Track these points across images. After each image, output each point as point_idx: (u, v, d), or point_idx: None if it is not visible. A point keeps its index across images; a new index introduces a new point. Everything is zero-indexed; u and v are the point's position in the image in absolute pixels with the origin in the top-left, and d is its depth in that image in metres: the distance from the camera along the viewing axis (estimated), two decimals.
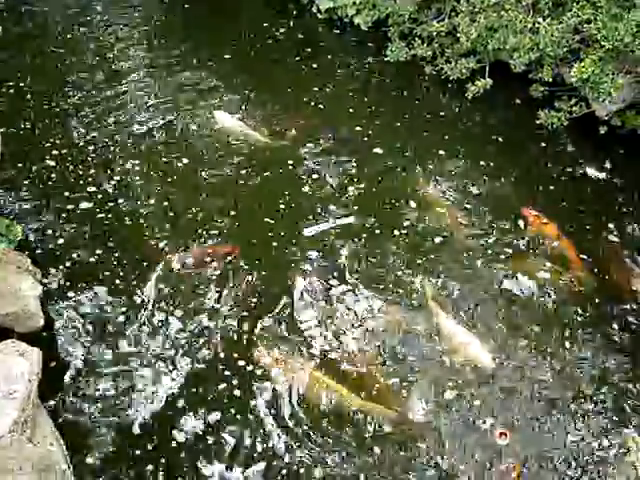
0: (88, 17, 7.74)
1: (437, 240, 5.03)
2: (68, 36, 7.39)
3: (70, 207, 5.20)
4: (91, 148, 5.77)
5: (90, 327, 4.38)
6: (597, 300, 4.67)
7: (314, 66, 7.00)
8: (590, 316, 4.56)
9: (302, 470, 3.74)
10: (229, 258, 4.85)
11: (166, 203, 5.29)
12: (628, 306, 4.62)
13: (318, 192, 5.43)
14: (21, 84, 6.52)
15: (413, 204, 5.32)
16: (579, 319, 4.54)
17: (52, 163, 5.58)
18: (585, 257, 4.97)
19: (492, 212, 5.27)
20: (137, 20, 7.77)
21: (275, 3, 8.04)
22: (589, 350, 4.37)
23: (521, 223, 5.17)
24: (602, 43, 5.29)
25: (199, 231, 5.06)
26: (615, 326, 4.49)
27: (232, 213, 5.22)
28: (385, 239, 5.02)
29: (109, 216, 5.15)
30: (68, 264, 4.77)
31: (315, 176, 5.57)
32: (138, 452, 3.78)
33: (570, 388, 4.14)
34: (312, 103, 6.42)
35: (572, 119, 5.79)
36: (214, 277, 4.70)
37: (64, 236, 4.97)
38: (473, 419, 3.96)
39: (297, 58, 7.12)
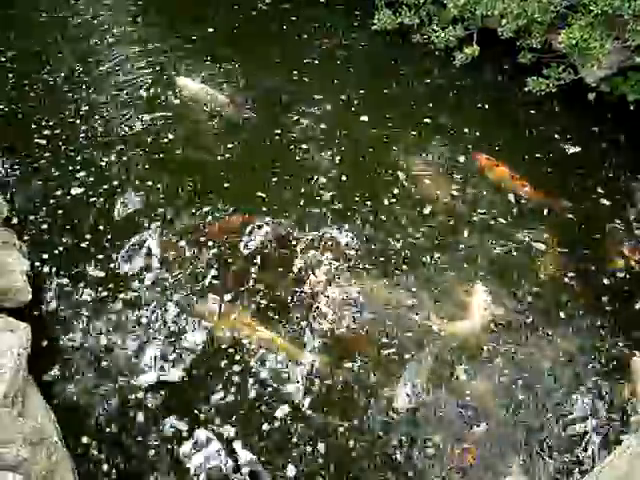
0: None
1: (426, 210, 5.01)
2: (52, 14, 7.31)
3: (59, 184, 5.18)
4: (83, 127, 5.73)
5: (79, 303, 4.36)
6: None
7: (299, 37, 6.91)
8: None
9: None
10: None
11: (158, 182, 5.25)
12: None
13: (304, 162, 5.39)
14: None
15: (400, 173, 5.29)
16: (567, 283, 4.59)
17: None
18: (574, 218, 5.01)
19: (480, 180, 5.25)
20: None
21: None
22: (574, 317, 4.40)
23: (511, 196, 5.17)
24: (590, 8, 5.23)
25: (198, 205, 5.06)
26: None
27: (225, 185, 5.19)
28: (372, 209, 5.00)
29: (100, 193, 5.12)
30: (57, 240, 4.74)
31: (304, 146, 5.53)
32: (130, 425, 3.79)
33: (551, 356, 4.19)
34: (297, 74, 6.35)
35: (561, 86, 5.75)
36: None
37: (52, 213, 4.95)
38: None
39: (282, 29, 7.03)
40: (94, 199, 5.05)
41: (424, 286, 4.50)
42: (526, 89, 5.79)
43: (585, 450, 3.74)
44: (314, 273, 4.53)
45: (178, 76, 6.31)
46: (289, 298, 4.41)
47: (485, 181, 5.30)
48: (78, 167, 5.31)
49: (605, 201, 5.19)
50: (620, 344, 4.23)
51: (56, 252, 4.66)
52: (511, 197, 5.18)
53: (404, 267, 4.62)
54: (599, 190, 5.28)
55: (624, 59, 5.49)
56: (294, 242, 4.75)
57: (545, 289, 4.54)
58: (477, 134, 5.74)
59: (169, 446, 3.71)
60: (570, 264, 4.69)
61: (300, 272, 4.55)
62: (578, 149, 5.65)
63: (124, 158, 5.41)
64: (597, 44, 5.23)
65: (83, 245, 4.72)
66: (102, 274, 4.53)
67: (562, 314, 4.39)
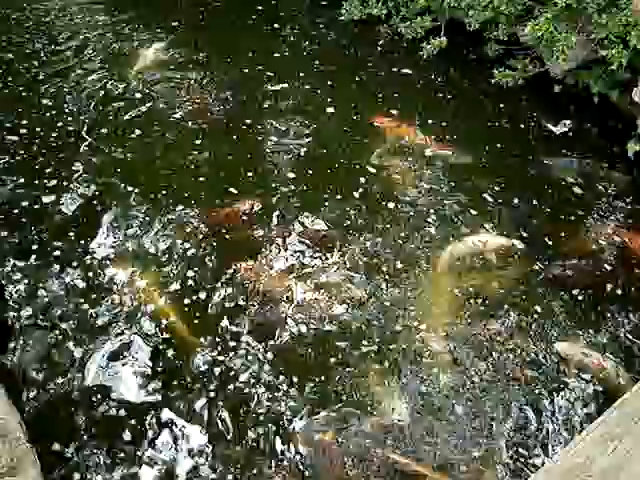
0: None
1: (390, 205, 5.00)
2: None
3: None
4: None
5: (41, 288, 4.30)
6: None
7: (266, 28, 6.88)
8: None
9: None
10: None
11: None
12: None
13: (270, 154, 5.37)
14: None
15: (368, 167, 5.28)
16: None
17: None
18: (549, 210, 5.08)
19: (448, 173, 5.29)
20: None
21: None
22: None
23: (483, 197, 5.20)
24: (556, 1, 5.28)
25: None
26: None
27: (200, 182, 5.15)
28: (339, 203, 4.98)
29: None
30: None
31: (273, 138, 5.52)
32: (94, 413, 3.75)
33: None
34: (263, 66, 6.31)
35: (527, 78, 5.79)
36: None
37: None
38: None
39: (250, 21, 6.98)
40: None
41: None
42: (492, 81, 5.83)
43: None
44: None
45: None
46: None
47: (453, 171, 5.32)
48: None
49: (573, 187, 5.27)
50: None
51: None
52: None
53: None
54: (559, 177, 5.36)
55: (589, 52, 5.54)
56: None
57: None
58: (442, 124, 5.75)
59: (134, 440, 3.69)
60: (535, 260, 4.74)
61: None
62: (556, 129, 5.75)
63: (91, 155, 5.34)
64: (562, 37, 5.27)
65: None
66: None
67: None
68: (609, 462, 1.82)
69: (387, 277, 4.47)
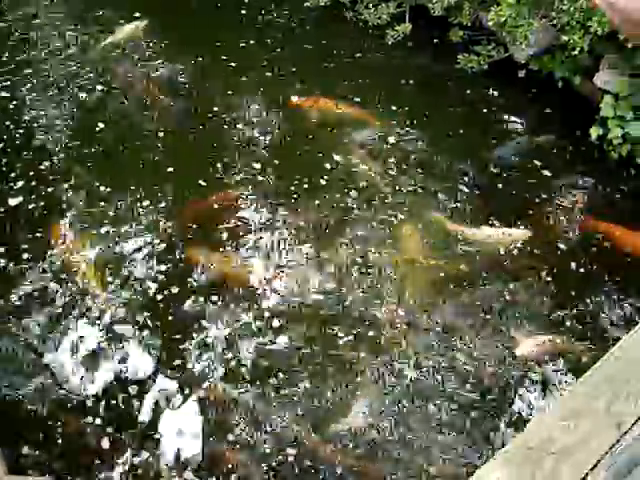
0: None
1: (354, 194, 5.01)
2: None
3: None
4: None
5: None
6: None
7: (232, 18, 6.80)
8: None
9: None
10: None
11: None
12: None
13: (235, 145, 5.35)
14: None
15: (335, 155, 5.28)
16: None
17: None
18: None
19: (410, 161, 5.31)
20: None
21: None
22: None
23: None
24: None
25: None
26: None
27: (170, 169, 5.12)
28: (304, 198, 4.98)
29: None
30: None
31: (239, 129, 5.49)
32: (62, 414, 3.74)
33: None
34: (227, 53, 6.27)
35: (492, 63, 5.83)
36: None
37: None
38: None
39: (213, 8, 6.90)
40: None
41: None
42: (457, 66, 5.86)
43: None
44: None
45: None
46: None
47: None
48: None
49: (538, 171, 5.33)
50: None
51: None
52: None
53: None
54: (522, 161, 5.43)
55: (551, 38, 5.59)
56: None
57: None
58: (406, 109, 5.77)
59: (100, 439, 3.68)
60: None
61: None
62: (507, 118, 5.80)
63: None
64: (525, 22, 5.32)
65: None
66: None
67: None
68: (572, 439, 1.86)
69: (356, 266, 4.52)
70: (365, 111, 5.68)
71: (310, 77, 6.06)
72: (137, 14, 6.65)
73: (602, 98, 5.27)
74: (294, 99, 5.68)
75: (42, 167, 5.08)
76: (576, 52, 5.24)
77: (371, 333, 4.13)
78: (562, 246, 4.74)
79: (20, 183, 4.93)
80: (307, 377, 3.90)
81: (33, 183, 4.94)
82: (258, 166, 5.17)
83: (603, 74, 5.40)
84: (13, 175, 4.99)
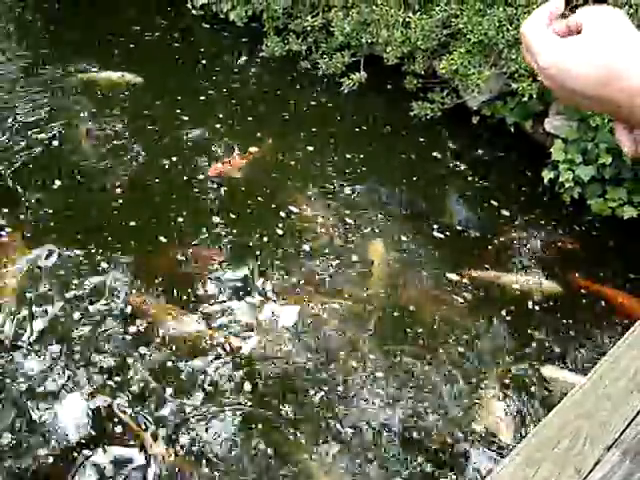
0: None
1: (307, 247, 4.99)
2: None
3: None
4: None
5: None
6: None
7: (189, 68, 6.87)
8: None
9: None
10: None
11: None
12: None
13: (187, 204, 5.30)
14: None
15: (284, 211, 5.27)
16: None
17: None
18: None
19: (364, 208, 5.38)
20: None
21: (148, 0, 7.88)
22: None
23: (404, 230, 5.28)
24: (469, 37, 5.50)
25: None
26: None
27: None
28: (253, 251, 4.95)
29: None
30: None
31: (190, 183, 5.48)
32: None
33: None
34: (182, 108, 6.28)
35: (445, 110, 5.96)
36: None
37: None
38: None
39: (175, 59, 6.97)
40: None
41: None
42: (411, 113, 5.98)
43: None
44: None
45: None
46: None
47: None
48: None
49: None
50: None
51: None
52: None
53: None
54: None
55: (502, 85, 5.77)
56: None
57: None
58: (361, 157, 5.86)
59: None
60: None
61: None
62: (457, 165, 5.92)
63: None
64: (476, 71, 5.47)
65: None
66: None
67: None
68: None
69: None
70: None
71: (265, 127, 6.10)
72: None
73: (553, 142, 5.43)
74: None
75: None
76: (526, 98, 5.41)
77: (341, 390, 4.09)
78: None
79: None
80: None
81: None
82: (217, 219, 5.14)
83: (553, 119, 5.58)
84: None
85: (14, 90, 6.29)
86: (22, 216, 4.96)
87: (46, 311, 4.32)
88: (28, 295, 4.39)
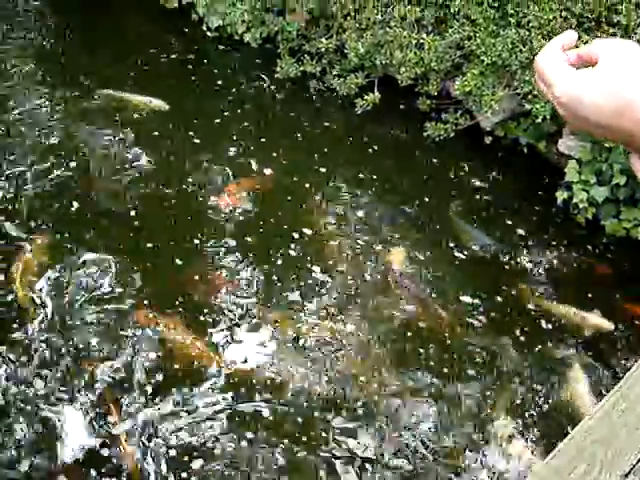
0: None
1: (321, 269, 4.97)
2: None
3: None
4: None
5: None
6: None
7: (204, 89, 6.91)
8: None
9: None
10: None
11: None
12: None
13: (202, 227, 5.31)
14: None
15: (298, 233, 5.26)
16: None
17: None
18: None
19: (377, 229, 5.39)
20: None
21: (164, 21, 7.95)
22: None
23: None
24: (482, 58, 5.52)
25: None
26: None
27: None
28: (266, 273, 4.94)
29: None
30: None
31: (204, 205, 5.49)
32: None
33: None
34: (195, 130, 6.29)
35: (459, 130, 5.98)
36: None
37: None
38: None
39: (191, 80, 7.02)
40: None
41: None
42: (425, 134, 5.99)
43: None
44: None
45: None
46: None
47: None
48: None
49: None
50: None
51: None
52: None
53: None
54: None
55: (516, 106, 5.78)
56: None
57: None
58: (374, 177, 5.88)
59: None
60: None
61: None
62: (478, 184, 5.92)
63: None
64: (489, 92, 5.49)
65: None
66: None
67: None
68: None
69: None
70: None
71: (279, 148, 6.12)
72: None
73: (566, 163, 5.42)
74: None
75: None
76: (539, 120, 5.41)
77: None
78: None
79: None
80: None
81: None
82: (233, 243, 5.13)
83: (566, 140, 5.57)
84: None
85: (32, 110, 6.35)
86: (39, 238, 5.00)
87: (58, 320, 4.38)
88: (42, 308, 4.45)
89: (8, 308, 4.44)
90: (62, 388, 3.99)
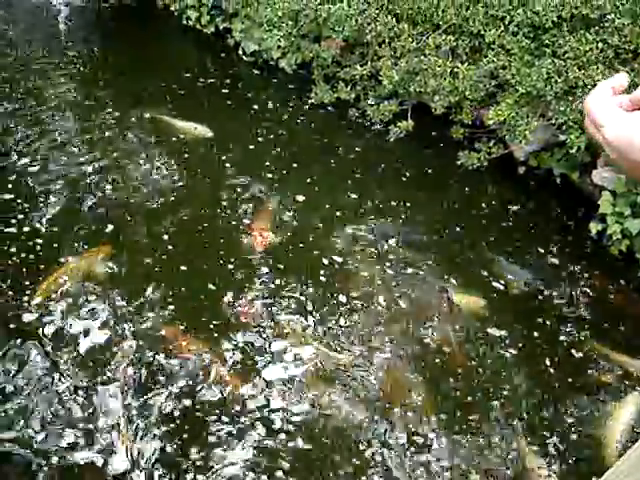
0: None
1: (351, 298, 4.94)
2: None
3: None
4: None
5: None
6: None
7: (239, 114, 7.01)
8: None
9: None
10: None
11: None
12: None
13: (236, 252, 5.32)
14: None
15: (328, 260, 5.26)
16: None
17: None
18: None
19: (409, 258, 5.37)
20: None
21: (202, 46, 8.10)
22: None
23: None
24: (517, 88, 5.52)
25: None
26: None
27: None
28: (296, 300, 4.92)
29: None
30: None
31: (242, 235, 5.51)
32: None
33: None
34: (231, 154, 6.37)
35: (492, 159, 5.97)
36: None
37: None
38: None
39: (226, 105, 7.12)
40: None
41: None
42: (458, 162, 5.99)
43: None
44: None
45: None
46: None
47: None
48: None
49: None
50: None
51: None
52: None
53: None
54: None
55: (550, 136, 5.76)
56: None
57: None
58: (407, 205, 5.88)
59: None
60: None
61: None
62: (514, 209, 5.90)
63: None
64: (523, 122, 5.48)
65: None
66: None
67: None
68: None
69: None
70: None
71: (312, 174, 6.17)
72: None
73: (600, 194, 5.38)
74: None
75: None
76: (574, 150, 5.39)
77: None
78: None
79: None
80: None
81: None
82: (265, 269, 5.13)
83: (601, 171, 5.53)
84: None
85: (72, 131, 6.49)
86: (72, 258, 5.08)
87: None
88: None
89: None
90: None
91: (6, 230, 5.21)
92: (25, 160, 5.98)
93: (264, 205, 5.75)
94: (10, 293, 4.69)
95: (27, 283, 4.77)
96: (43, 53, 7.73)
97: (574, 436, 4.12)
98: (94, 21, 8.76)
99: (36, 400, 4.00)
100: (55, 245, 5.13)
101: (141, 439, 3.86)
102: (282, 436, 3.97)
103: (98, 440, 3.82)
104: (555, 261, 5.46)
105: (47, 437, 3.82)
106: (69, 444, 3.81)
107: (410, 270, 5.22)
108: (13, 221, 5.29)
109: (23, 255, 5.00)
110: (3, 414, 3.89)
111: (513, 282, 5.22)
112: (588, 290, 5.18)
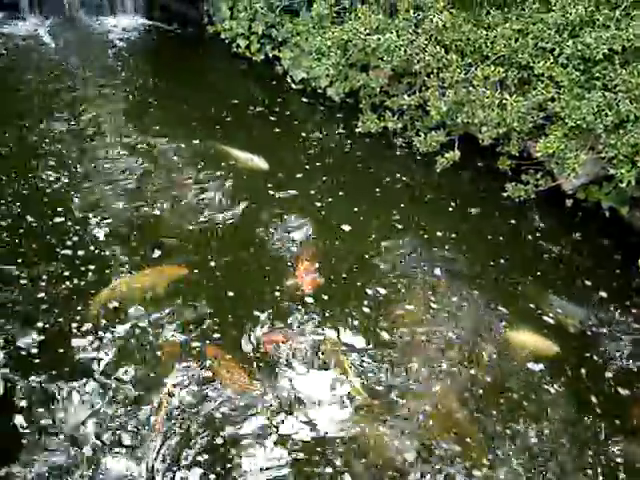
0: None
1: (393, 333, 4.95)
2: None
3: None
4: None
5: None
6: None
7: (286, 141, 7.08)
8: None
9: None
10: None
11: None
12: None
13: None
14: None
15: (372, 290, 5.28)
16: None
17: None
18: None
19: (451, 293, 5.35)
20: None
21: (251, 73, 8.22)
22: None
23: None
24: (566, 121, 5.49)
25: None
26: None
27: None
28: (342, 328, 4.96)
29: None
30: None
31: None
32: None
33: None
34: (278, 181, 6.43)
35: (539, 192, 5.93)
36: None
37: None
38: None
39: (274, 132, 7.20)
40: None
41: None
42: (505, 194, 5.97)
43: None
44: None
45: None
46: None
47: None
48: None
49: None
50: None
51: None
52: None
53: None
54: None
55: (599, 169, 5.71)
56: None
57: None
58: (453, 235, 5.88)
59: None
60: None
61: None
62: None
63: None
64: (572, 155, 5.44)
65: None
66: None
67: None
68: None
69: None
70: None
71: (358, 203, 6.19)
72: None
73: None
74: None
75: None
76: (624, 184, 5.33)
77: None
78: None
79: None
80: None
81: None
82: (310, 299, 5.17)
83: None
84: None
85: (120, 157, 6.61)
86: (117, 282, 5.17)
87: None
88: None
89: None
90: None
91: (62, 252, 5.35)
92: (85, 184, 6.14)
93: (311, 236, 5.78)
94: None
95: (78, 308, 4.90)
96: (96, 78, 7.90)
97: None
98: (146, 47, 8.93)
99: (88, 423, 4.12)
100: (107, 271, 5.24)
101: (182, 468, 3.94)
102: (328, 470, 4.00)
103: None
104: (603, 293, 5.41)
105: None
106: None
107: (455, 302, 5.22)
108: (69, 243, 5.44)
109: (75, 281, 5.12)
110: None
111: (560, 314, 5.18)
112: (636, 325, 5.11)
